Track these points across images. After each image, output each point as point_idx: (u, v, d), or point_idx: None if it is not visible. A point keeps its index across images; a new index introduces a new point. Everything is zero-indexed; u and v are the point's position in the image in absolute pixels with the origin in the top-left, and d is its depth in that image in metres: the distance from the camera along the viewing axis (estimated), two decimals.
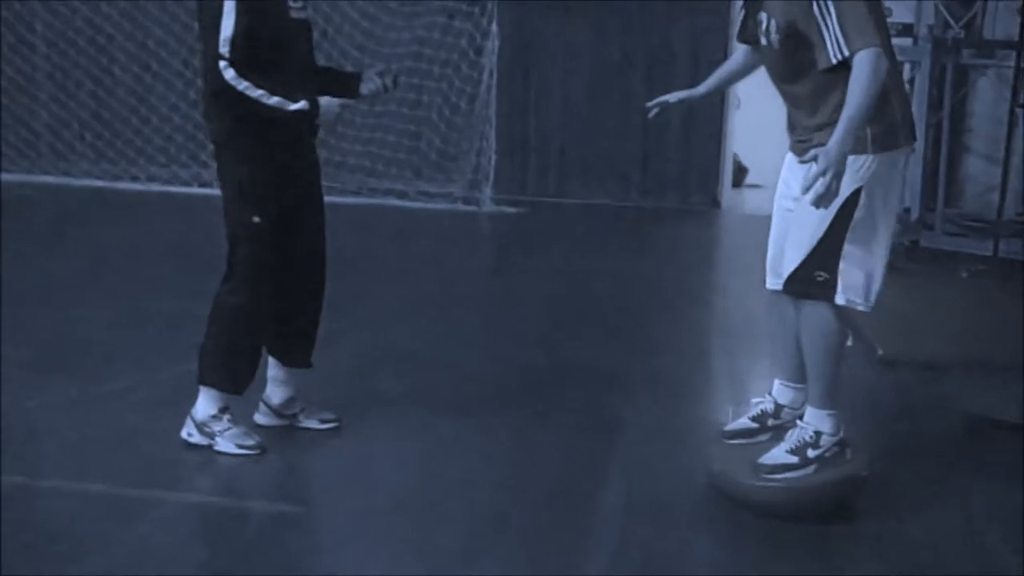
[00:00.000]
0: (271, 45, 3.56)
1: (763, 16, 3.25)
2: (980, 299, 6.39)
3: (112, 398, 4.32)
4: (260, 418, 4.01)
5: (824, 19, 3.05)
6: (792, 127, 3.41)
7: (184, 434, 3.82)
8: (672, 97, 3.75)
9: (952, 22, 8.27)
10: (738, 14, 3.48)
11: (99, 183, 9.98)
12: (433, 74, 9.74)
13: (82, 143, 10.54)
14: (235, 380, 3.82)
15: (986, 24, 8.78)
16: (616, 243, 8.58)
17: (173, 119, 10.13)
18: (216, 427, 3.78)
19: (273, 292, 3.78)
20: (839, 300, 3.24)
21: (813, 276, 3.24)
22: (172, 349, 4.89)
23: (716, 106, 9.84)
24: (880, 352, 4.98)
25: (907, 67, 8.57)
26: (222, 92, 3.55)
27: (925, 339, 5.35)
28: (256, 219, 3.67)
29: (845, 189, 3.11)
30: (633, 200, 10.11)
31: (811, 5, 3.06)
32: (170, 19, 9.97)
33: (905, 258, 7.44)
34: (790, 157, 3.45)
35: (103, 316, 5.58)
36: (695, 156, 10.13)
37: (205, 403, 3.80)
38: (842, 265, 3.22)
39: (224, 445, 3.77)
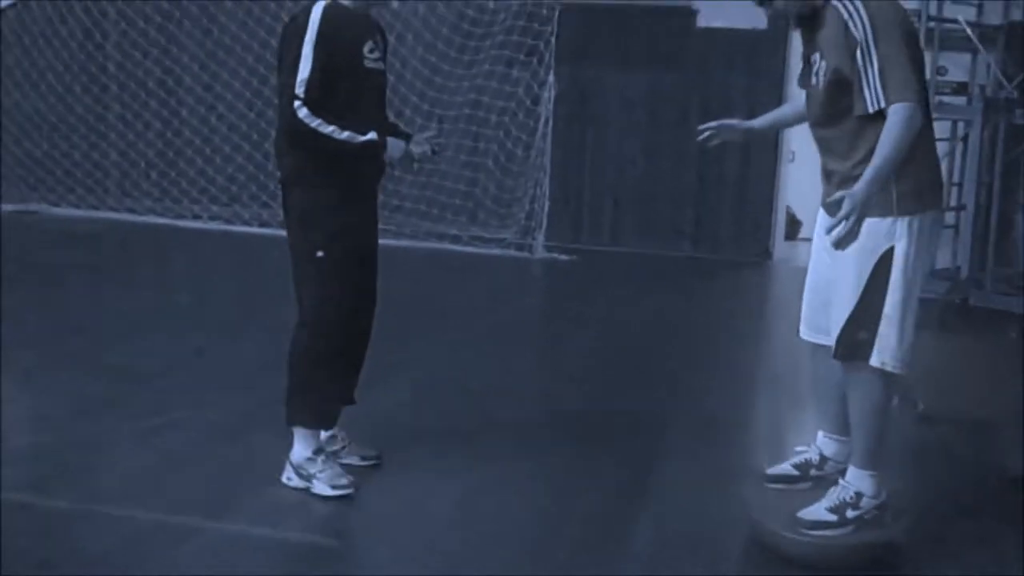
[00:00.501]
0: (344, 91, 3.68)
1: (816, 57, 3.32)
2: None
3: (164, 429, 4.43)
4: None
5: (865, 67, 3.10)
6: (827, 176, 3.43)
7: (284, 479, 3.86)
8: (725, 122, 3.80)
9: (1005, 82, 8.25)
10: (799, 63, 3.53)
11: (162, 220, 10.23)
12: (490, 122, 9.88)
13: (148, 181, 10.84)
14: (321, 415, 3.90)
15: None
16: (667, 293, 8.58)
17: (236, 160, 10.38)
18: (312, 469, 3.82)
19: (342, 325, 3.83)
20: (873, 361, 3.25)
21: (855, 338, 3.26)
22: (226, 383, 5.02)
23: (769, 159, 9.88)
24: (920, 407, 4.97)
25: (960, 125, 8.57)
26: (294, 130, 3.66)
27: (966, 396, 5.32)
28: (320, 253, 3.75)
29: (877, 249, 3.15)
30: (686, 251, 10.13)
31: (856, 51, 3.11)
32: (236, 63, 10.26)
33: (953, 316, 7.40)
34: (821, 214, 3.49)
35: (160, 350, 5.71)
36: (748, 208, 10.14)
37: (300, 445, 3.85)
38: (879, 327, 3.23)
39: (320, 487, 3.81)
